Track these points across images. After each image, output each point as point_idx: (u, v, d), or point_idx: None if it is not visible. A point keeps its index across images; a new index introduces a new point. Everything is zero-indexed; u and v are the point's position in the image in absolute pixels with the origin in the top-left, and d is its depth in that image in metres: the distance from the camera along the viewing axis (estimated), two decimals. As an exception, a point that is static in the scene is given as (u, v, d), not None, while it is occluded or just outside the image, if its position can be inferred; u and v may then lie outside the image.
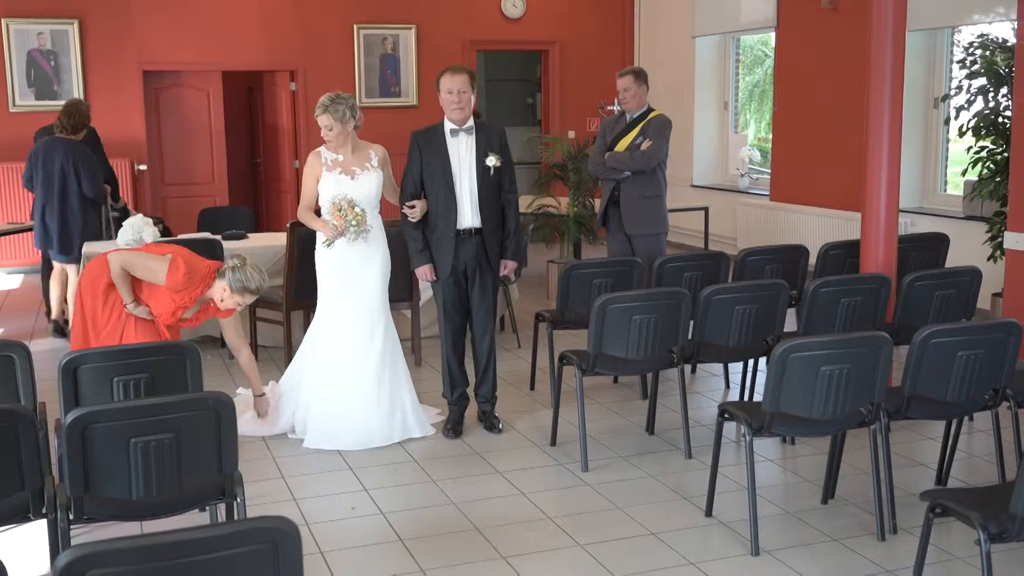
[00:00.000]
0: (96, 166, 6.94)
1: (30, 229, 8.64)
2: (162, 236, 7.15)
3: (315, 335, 5.11)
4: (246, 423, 4.96)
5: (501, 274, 5.11)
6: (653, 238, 6.37)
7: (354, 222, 4.80)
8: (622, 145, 6.36)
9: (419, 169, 4.93)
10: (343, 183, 4.86)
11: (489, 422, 5.18)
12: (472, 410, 5.26)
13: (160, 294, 4.64)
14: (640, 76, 6.39)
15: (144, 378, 3.77)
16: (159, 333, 4.73)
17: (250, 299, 4.71)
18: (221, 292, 4.66)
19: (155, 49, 10.17)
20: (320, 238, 4.96)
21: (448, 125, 4.91)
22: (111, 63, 10.03)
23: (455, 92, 4.84)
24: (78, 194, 6.84)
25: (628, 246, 6.40)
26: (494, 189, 4.96)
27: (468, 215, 4.93)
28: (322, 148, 4.96)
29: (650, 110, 6.42)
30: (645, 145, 6.25)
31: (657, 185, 6.38)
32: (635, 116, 6.41)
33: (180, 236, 7.16)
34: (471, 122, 4.93)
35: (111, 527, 3.78)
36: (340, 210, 4.79)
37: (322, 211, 4.94)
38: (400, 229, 5.14)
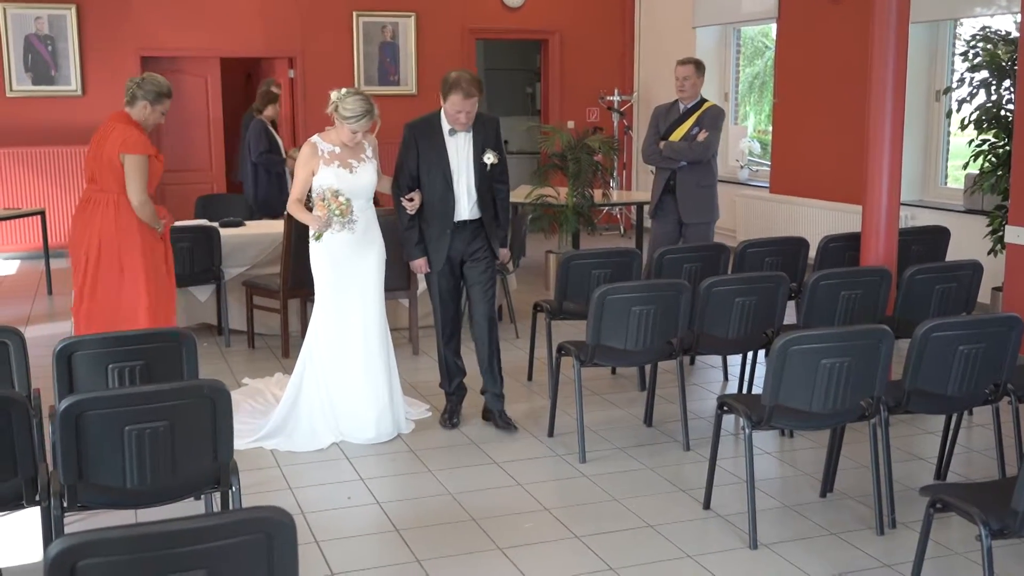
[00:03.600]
0: (260, 139, 8.32)
1: (29, 215, 8.65)
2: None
3: (315, 335, 4.93)
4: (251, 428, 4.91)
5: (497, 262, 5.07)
6: (705, 226, 6.61)
7: (337, 211, 4.67)
8: (677, 134, 6.56)
9: (415, 162, 4.87)
10: (342, 177, 4.76)
11: (501, 419, 5.02)
12: (469, 401, 5.22)
13: (154, 172, 5.08)
14: (700, 67, 6.62)
15: (139, 365, 3.74)
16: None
17: (167, 103, 5.10)
18: (143, 112, 5.05)
19: (153, 35, 10.13)
20: (311, 232, 4.83)
21: (447, 124, 4.84)
22: (109, 49, 9.98)
23: (464, 112, 4.73)
24: (250, 160, 8.35)
25: (677, 233, 6.63)
26: (490, 182, 4.93)
27: (465, 210, 4.89)
28: (318, 139, 4.83)
29: (703, 100, 6.59)
30: (701, 136, 6.45)
31: (712, 174, 6.63)
32: (689, 106, 6.61)
33: (177, 223, 7.11)
34: None
35: (105, 515, 3.76)
36: (323, 199, 4.69)
37: (313, 205, 4.85)
38: (394, 218, 5.10)
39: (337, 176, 4.76)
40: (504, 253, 5.09)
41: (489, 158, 4.86)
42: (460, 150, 4.86)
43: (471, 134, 4.87)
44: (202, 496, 3.60)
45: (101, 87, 9.95)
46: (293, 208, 4.87)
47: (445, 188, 4.84)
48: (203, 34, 10.29)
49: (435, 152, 4.84)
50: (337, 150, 4.81)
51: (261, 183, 8.34)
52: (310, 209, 4.83)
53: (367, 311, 4.92)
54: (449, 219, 4.87)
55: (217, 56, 10.52)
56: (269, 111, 8.44)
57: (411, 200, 4.84)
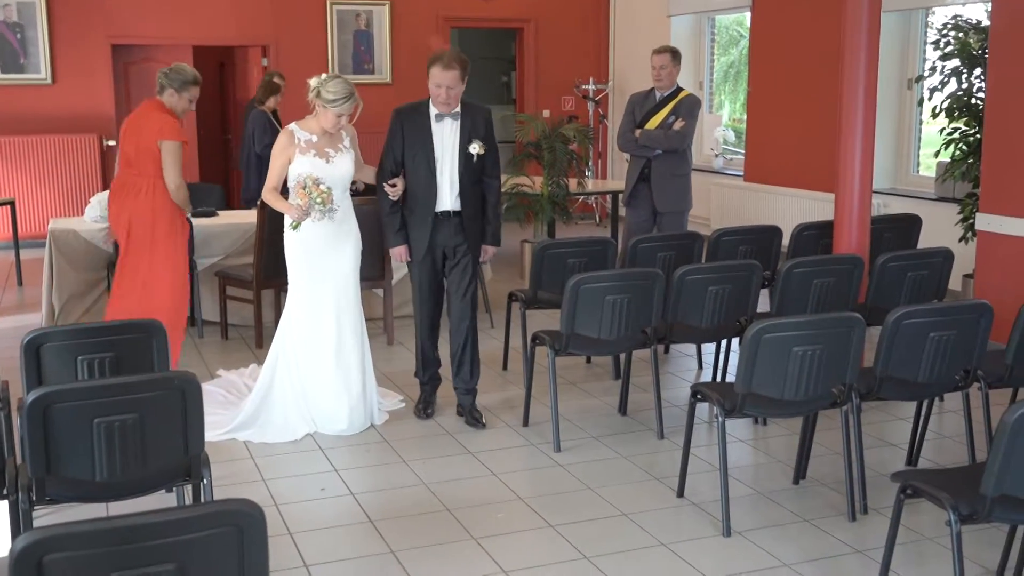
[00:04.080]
0: (264, 131, 8.18)
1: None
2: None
3: (288, 326, 4.89)
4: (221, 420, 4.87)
5: (482, 260, 5.02)
6: (679, 215, 6.64)
7: (319, 200, 4.64)
8: (653, 123, 6.59)
9: (401, 148, 4.82)
10: (318, 166, 4.71)
11: (471, 416, 4.98)
12: (443, 391, 5.21)
13: (186, 155, 5.30)
14: (677, 56, 6.64)
15: (109, 357, 3.69)
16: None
17: (194, 90, 5.31)
18: (172, 99, 5.25)
19: (125, 23, 10.01)
20: (287, 221, 4.79)
21: (434, 109, 4.80)
22: (79, 37, 9.86)
23: (443, 88, 4.67)
24: (253, 150, 8.25)
25: (651, 222, 6.66)
26: (476, 175, 4.86)
27: (448, 199, 4.82)
28: (295, 127, 4.78)
29: (679, 89, 6.61)
30: (678, 124, 6.50)
31: (686, 164, 6.67)
32: (666, 95, 6.64)
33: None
34: (457, 107, 4.82)
35: (76, 509, 3.72)
36: (304, 187, 4.65)
37: (290, 193, 4.82)
38: (373, 208, 5.06)
39: (313, 166, 4.72)
40: (489, 251, 5.00)
41: (475, 148, 4.78)
42: (446, 137, 4.79)
43: (458, 122, 4.79)
44: (173, 489, 3.57)
45: (71, 75, 9.83)
46: (269, 197, 4.82)
47: (428, 175, 4.79)
48: (175, 22, 10.19)
49: (420, 137, 4.78)
50: (315, 139, 4.76)
51: (263, 173, 8.33)
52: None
53: (341, 302, 4.88)
54: (431, 208, 4.81)
55: (189, 44, 10.41)
56: (271, 102, 8.42)
57: (393, 186, 4.80)
